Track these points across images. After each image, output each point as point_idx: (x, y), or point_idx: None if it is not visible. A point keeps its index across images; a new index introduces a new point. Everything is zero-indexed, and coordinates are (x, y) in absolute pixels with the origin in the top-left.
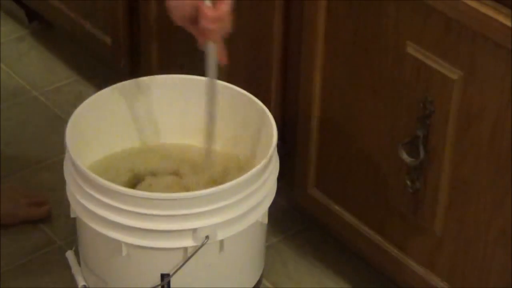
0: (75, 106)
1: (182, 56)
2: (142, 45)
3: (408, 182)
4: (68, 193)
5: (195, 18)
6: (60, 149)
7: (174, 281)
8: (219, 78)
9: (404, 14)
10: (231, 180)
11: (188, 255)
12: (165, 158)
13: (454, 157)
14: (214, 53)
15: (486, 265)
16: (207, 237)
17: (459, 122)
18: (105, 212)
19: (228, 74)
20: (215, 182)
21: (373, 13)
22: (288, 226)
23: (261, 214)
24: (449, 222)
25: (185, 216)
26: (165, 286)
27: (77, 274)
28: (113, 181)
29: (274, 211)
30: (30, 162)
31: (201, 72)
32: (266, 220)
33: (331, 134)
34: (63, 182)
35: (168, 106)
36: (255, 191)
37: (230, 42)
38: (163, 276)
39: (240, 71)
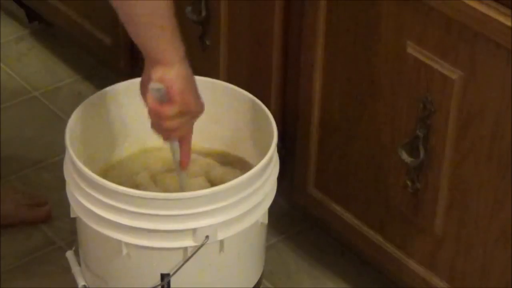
0: (75, 106)
1: None
2: None
3: (408, 182)
4: (68, 193)
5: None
6: (60, 149)
7: (174, 281)
8: (219, 78)
9: (404, 14)
10: (230, 180)
11: (188, 255)
12: (165, 158)
13: (454, 157)
14: (176, 150)
15: (486, 265)
16: (207, 237)
17: (459, 122)
18: (105, 212)
19: (228, 74)
20: (213, 182)
21: (373, 13)
22: (288, 226)
23: (261, 214)
24: (449, 222)
25: (185, 216)
26: (165, 286)
27: (77, 274)
28: (113, 181)
29: (274, 211)
30: (30, 162)
31: (201, 72)
32: (266, 220)
33: (331, 134)
34: (63, 182)
35: None
36: (255, 191)
37: (231, 42)
38: (163, 276)
39: (240, 71)
